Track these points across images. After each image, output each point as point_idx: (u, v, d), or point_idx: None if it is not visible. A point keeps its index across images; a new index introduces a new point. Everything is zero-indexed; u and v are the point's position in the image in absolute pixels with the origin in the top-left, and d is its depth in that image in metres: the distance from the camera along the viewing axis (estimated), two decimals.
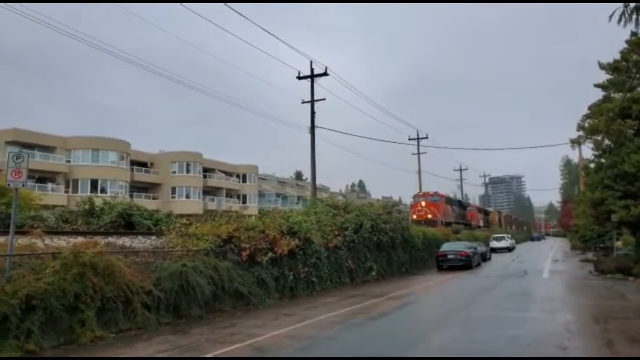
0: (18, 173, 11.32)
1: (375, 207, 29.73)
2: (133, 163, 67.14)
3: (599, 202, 30.83)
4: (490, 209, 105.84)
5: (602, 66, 33.25)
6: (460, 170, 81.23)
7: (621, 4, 11.95)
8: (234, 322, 13.11)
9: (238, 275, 15.59)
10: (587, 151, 47.95)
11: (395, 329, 12.50)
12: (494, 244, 55.49)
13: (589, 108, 37.72)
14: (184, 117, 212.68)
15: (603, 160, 33.54)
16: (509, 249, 57.24)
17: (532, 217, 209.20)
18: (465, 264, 30.84)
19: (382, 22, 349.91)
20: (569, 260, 39.57)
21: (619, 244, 33.94)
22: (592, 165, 37.06)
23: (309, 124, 31.96)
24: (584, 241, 47.83)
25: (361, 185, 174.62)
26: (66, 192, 58.11)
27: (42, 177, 55.61)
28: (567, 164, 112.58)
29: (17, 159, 11.41)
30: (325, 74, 31.91)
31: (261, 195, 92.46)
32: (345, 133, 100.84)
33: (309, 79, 32.16)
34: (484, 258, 38.64)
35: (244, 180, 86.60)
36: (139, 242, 17.44)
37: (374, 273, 24.58)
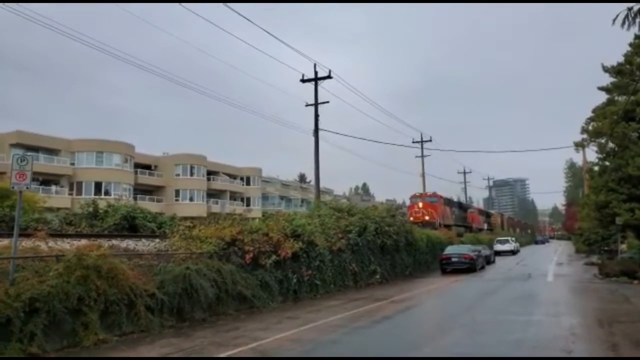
0: (22, 175, 11.32)
1: (379, 210, 29.71)
2: (137, 165, 67.20)
3: (603, 205, 30.78)
4: (493, 211, 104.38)
5: (606, 69, 33.22)
6: (464, 173, 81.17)
7: (625, 8, 11.93)
8: (238, 325, 13.10)
9: (241, 278, 15.57)
10: (591, 154, 47.86)
11: (398, 332, 12.46)
12: (498, 247, 55.32)
13: (593, 111, 37.71)
14: (188, 120, 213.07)
15: (607, 163, 33.49)
16: (513, 252, 57.08)
17: (536, 220, 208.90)
18: (469, 267, 30.79)
19: (387, 24, 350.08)
20: (573, 263, 39.45)
21: (623, 247, 33.84)
22: (596, 168, 36.99)
23: (312, 126, 31.95)
24: (589, 244, 47.71)
25: (365, 188, 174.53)
26: (70, 194, 58.17)
27: (46, 180, 55.72)
28: (571, 167, 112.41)
29: (21, 161, 11.42)
30: (329, 77, 31.88)
31: (265, 197, 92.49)
32: (349, 136, 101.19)
33: (313, 82, 32.14)
34: (488, 261, 38.58)
35: (248, 183, 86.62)
36: (143, 245, 17.44)
37: (377, 276, 24.55)
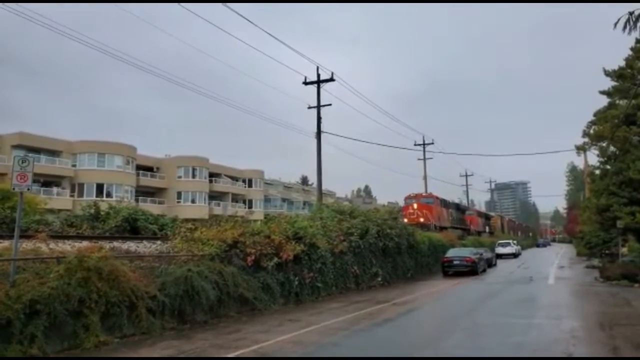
0: (23, 177, 11.33)
1: (381, 212, 29.72)
2: (139, 167, 67.21)
3: (604, 209, 30.76)
4: (492, 214, 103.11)
5: (607, 73, 33.23)
6: (466, 176, 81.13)
7: (626, 12, 11.92)
8: (239, 328, 13.09)
9: (243, 280, 15.57)
10: (593, 157, 47.81)
11: (400, 334, 12.47)
12: (500, 250, 55.29)
13: (595, 114, 37.72)
14: (189, 122, 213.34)
15: (608, 167, 33.51)
16: (515, 255, 57.04)
17: (538, 223, 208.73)
18: (470, 269, 30.79)
19: (388, 26, 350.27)
20: (575, 266, 39.42)
21: (624, 250, 33.80)
22: (597, 172, 36.98)
23: (315, 129, 31.97)
24: (590, 247, 47.66)
25: (367, 190, 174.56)
26: (71, 196, 58.17)
27: (48, 181, 55.76)
28: (573, 170, 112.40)
29: (22, 162, 11.43)
30: (331, 79, 31.90)
31: (267, 200, 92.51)
32: (352, 138, 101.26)
33: (315, 85, 32.17)
34: (490, 264, 38.57)
35: (250, 185, 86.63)
36: (144, 247, 17.44)
37: (379, 279, 24.54)
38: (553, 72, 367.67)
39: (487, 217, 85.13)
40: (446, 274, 31.14)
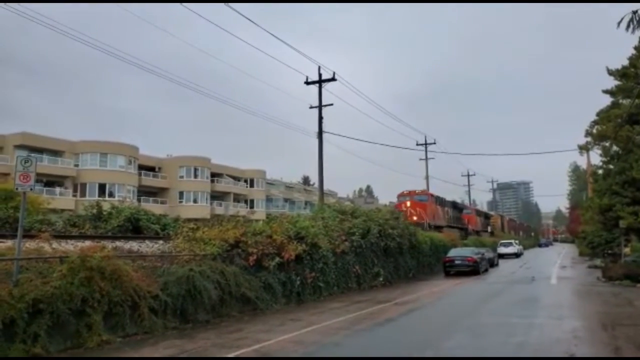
0: (26, 177, 11.36)
1: (382, 212, 29.69)
2: (141, 167, 67.32)
3: (607, 209, 30.78)
4: (492, 213, 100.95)
5: (610, 72, 33.23)
6: (468, 175, 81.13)
7: (629, 11, 11.91)
8: (241, 327, 13.11)
9: (245, 280, 15.59)
10: (596, 157, 47.87)
11: (401, 334, 12.47)
12: (502, 249, 55.24)
13: (598, 114, 37.74)
14: (191, 122, 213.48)
15: (611, 167, 33.51)
16: (517, 255, 57.01)
17: (540, 223, 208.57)
18: (472, 269, 30.78)
19: (390, 26, 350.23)
20: (577, 266, 39.38)
21: (627, 250, 33.76)
22: (600, 172, 37.00)
23: (316, 129, 31.99)
24: (592, 247, 47.65)
25: (369, 190, 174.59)
26: (74, 196, 58.28)
27: (50, 181, 55.87)
28: (575, 170, 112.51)
29: (25, 162, 11.45)
30: (333, 79, 31.91)
31: (269, 200, 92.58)
32: (353, 138, 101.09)
33: (317, 84, 32.18)
34: (492, 264, 38.54)
35: (252, 185, 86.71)
36: (147, 247, 17.48)
37: (381, 278, 24.54)
38: (555, 71, 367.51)
39: (486, 217, 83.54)
40: (448, 274, 31.14)
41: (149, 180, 68.93)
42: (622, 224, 29.03)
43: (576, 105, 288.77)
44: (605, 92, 35.15)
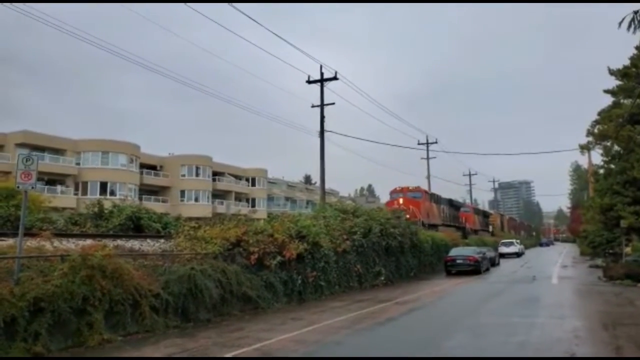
0: (27, 175, 11.37)
1: (384, 211, 29.72)
2: (142, 166, 67.31)
3: (608, 208, 30.78)
4: (491, 211, 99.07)
5: (611, 72, 33.21)
6: (470, 175, 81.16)
7: (631, 11, 11.90)
8: (242, 326, 13.12)
9: (246, 279, 15.60)
10: (597, 157, 47.85)
11: (402, 334, 12.46)
12: (503, 249, 55.15)
13: (599, 114, 37.72)
14: (193, 121, 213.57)
15: (612, 166, 33.51)
16: (518, 255, 56.93)
17: (541, 222, 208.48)
18: (473, 269, 30.76)
19: (391, 26, 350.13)
20: (578, 266, 39.36)
21: (628, 250, 33.72)
22: (601, 171, 37.00)
23: (318, 128, 32.00)
24: (593, 247, 47.62)
25: (370, 189, 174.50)
26: (75, 194, 58.31)
27: (52, 180, 55.88)
28: (577, 170, 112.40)
29: (26, 161, 11.46)
30: (335, 78, 31.91)
31: (270, 199, 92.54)
32: (355, 137, 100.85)
33: (319, 83, 32.17)
34: (493, 263, 38.54)
35: (253, 184, 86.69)
36: (148, 245, 17.50)
37: (382, 278, 24.55)
38: (556, 71, 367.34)
39: (485, 215, 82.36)
40: (449, 273, 31.13)
41: (150, 179, 68.93)
42: (623, 223, 29.01)
43: (577, 105, 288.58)
44: (607, 91, 35.12)
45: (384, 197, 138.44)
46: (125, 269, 11.81)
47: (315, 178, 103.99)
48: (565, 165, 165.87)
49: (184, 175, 72.49)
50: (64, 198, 53.98)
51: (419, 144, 55.40)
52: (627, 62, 31.96)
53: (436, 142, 56.10)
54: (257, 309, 15.63)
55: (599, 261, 38.02)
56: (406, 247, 28.27)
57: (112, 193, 57.96)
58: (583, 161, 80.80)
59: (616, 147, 33.92)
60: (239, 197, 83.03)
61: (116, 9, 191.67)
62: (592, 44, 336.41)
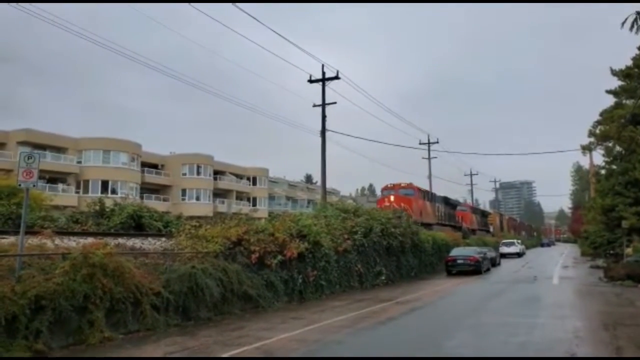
0: (29, 173, 11.38)
1: (385, 211, 29.67)
2: (144, 165, 67.37)
3: (609, 209, 30.78)
4: (490, 211, 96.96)
5: (614, 72, 33.19)
6: (471, 175, 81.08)
7: (634, 11, 11.88)
8: (243, 325, 13.13)
9: (247, 278, 15.61)
10: (599, 157, 47.73)
11: (403, 333, 12.46)
12: (504, 249, 55.08)
13: (601, 114, 37.69)
14: (195, 120, 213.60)
15: (614, 167, 33.52)
16: (519, 255, 56.85)
17: (543, 222, 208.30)
18: (474, 269, 30.73)
19: (393, 26, 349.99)
20: (579, 266, 39.30)
21: (629, 250, 33.71)
22: (603, 172, 37.02)
23: (319, 127, 31.99)
24: (594, 247, 47.54)
25: (371, 189, 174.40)
26: (77, 192, 58.42)
27: (53, 178, 55.92)
28: (578, 170, 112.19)
29: (28, 159, 11.48)
30: (336, 77, 31.89)
31: (271, 198, 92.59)
32: (356, 137, 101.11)
33: (321, 83, 32.16)
34: (494, 263, 38.49)
35: (254, 183, 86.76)
36: (149, 244, 17.51)
37: (383, 277, 24.54)
38: (560, 71, 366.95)
39: (483, 214, 79.83)
40: (450, 273, 31.10)
41: (151, 178, 69.00)
42: (625, 224, 29.00)
43: (580, 105, 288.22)
44: (609, 92, 35.08)
45: None
46: (126, 267, 11.82)
47: (317, 177, 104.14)
48: (567, 166, 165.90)
49: (185, 174, 72.56)
50: (65, 196, 54.08)
51: (420, 143, 55.40)
52: (630, 63, 31.93)
53: (437, 142, 56.10)
54: (258, 308, 15.63)
55: (600, 262, 37.97)
56: (407, 247, 28.26)
57: (114, 191, 58.00)
58: (585, 162, 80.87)
59: (618, 148, 33.93)
60: (240, 196, 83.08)
61: (117, 8, 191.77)
62: (594, 44, 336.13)
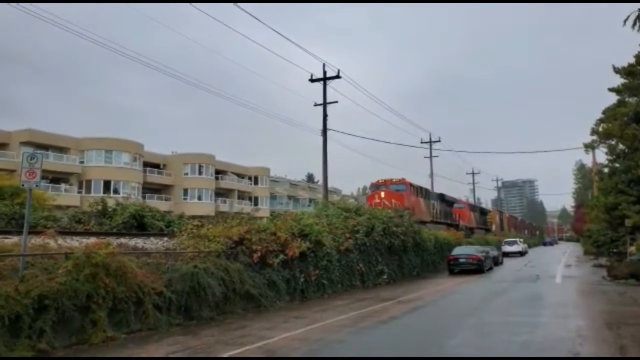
0: (32, 174, 11.40)
1: (386, 210, 29.65)
2: (146, 164, 67.45)
3: (612, 207, 30.74)
4: (490, 208, 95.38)
5: (616, 70, 33.11)
6: (473, 173, 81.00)
7: (636, 9, 11.89)
8: (245, 324, 13.13)
9: (249, 277, 15.61)
10: (601, 156, 47.64)
11: (405, 333, 12.45)
12: (506, 248, 54.98)
13: (603, 112, 37.62)
14: (196, 119, 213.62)
15: (617, 165, 33.47)
16: (521, 254, 56.75)
17: (545, 221, 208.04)
18: (476, 268, 30.70)
19: (394, 26, 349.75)
20: (582, 265, 39.22)
21: (632, 249, 33.66)
22: (605, 170, 36.98)
23: (321, 126, 31.99)
24: (597, 246, 47.45)
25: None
26: (79, 192, 58.47)
27: (56, 178, 55.99)
28: (581, 169, 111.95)
29: (31, 159, 11.50)
30: (337, 76, 31.91)
31: (273, 197, 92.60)
32: (358, 136, 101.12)
33: (322, 82, 32.17)
34: (496, 262, 38.44)
35: (256, 183, 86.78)
36: (151, 243, 17.53)
37: (385, 276, 24.52)
38: (562, 69, 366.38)
39: (482, 212, 77.82)
40: (452, 272, 31.05)
41: (153, 178, 69.07)
42: (628, 222, 28.96)
43: (583, 103, 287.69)
44: (611, 90, 35.01)
45: None
46: (128, 267, 11.83)
47: (318, 176, 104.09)
48: (570, 164, 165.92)
49: (187, 174, 72.63)
50: (67, 196, 54.14)
51: (422, 142, 55.27)
52: (632, 60, 31.86)
53: (439, 141, 55.99)
54: (260, 308, 15.63)
55: (603, 260, 37.91)
56: (409, 245, 28.24)
57: (116, 191, 58.07)
58: (587, 160, 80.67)
59: (621, 146, 33.86)
60: (241, 195, 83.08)
61: (117, 8, 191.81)
62: (596, 42, 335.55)
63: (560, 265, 39.33)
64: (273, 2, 72.25)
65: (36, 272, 10.30)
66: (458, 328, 12.61)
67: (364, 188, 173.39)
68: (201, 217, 24.73)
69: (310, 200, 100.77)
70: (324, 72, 32.04)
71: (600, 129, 37.76)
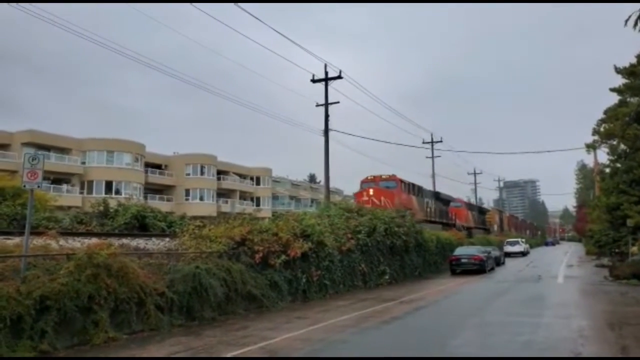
0: (34, 174, 11.41)
1: (388, 210, 29.64)
2: (147, 165, 67.47)
3: (614, 207, 30.71)
4: (489, 207, 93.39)
5: (618, 70, 33.07)
6: (475, 174, 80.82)
7: (637, 9, 11.87)
8: (247, 325, 13.13)
9: (251, 277, 15.61)
10: (603, 156, 47.60)
11: (407, 333, 12.44)
12: (508, 248, 54.86)
13: (605, 112, 37.57)
14: (197, 120, 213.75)
15: (618, 165, 33.43)
16: (523, 254, 56.63)
17: (547, 221, 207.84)
18: (478, 268, 30.66)
19: (395, 25, 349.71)
20: (584, 265, 39.15)
21: (634, 249, 33.62)
22: (607, 170, 36.92)
23: (322, 126, 31.98)
24: (599, 246, 47.37)
25: None
26: (81, 193, 58.49)
27: (57, 179, 55.98)
28: (582, 169, 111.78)
29: (32, 160, 11.51)
30: (339, 77, 31.90)
31: (275, 198, 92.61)
32: (360, 136, 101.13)
33: (323, 82, 32.16)
34: (498, 262, 38.36)
35: (258, 183, 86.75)
36: (153, 244, 17.54)
37: (387, 277, 24.50)
38: (564, 69, 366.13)
39: (481, 211, 74.95)
40: (454, 273, 31.00)
41: (155, 178, 69.07)
42: (630, 222, 28.93)
43: (584, 103, 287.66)
44: (613, 90, 34.98)
45: None
46: (130, 267, 11.84)
47: (320, 177, 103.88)
48: (571, 164, 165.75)
49: (188, 174, 72.62)
50: (69, 197, 54.14)
51: (423, 142, 55.24)
52: (634, 60, 31.82)
53: (441, 141, 55.95)
54: (262, 308, 15.63)
55: (605, 260, 37.82)
56: (411, 246, 28.22)
57: (117, 192, 58.11)
58: (589, 160, 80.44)
59: (622, 146, 33.83)
60: (243, 196, 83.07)
61: (117, 8, 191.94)
62: (597, 42, 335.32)
63: (562, 265, 39.27)
64: (273, 2, 72.35)
65: (38, 273, 10.31)
66: (460, 328, 12.60)
67: None
68: (203, 217, 24.73)
69: (312, 201, 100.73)
70: (326, 73, 32.04)
71: (602, 129, 37.73)
